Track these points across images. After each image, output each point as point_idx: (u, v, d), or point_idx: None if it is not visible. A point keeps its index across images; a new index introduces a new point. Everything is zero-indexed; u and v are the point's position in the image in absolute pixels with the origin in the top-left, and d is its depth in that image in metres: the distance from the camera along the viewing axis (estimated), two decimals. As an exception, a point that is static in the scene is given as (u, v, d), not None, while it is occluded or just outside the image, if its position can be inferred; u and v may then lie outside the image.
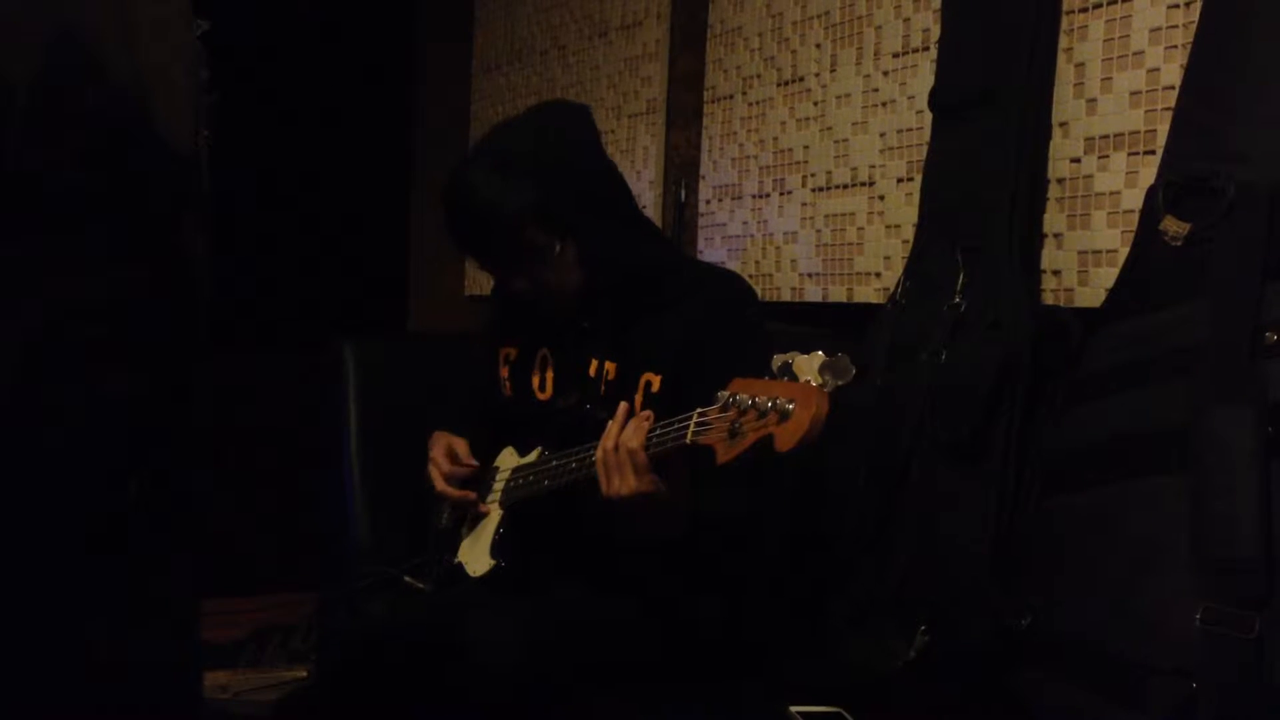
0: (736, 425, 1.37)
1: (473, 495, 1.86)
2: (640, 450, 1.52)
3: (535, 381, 1.85)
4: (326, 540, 2.38)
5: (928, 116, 1.99)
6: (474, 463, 1.88)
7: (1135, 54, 1.71)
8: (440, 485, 1.88)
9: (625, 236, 1.78)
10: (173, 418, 1.14)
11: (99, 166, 1.03)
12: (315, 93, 3.51)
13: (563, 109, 1.92)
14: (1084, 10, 1.79)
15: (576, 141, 1.79)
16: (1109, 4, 1.75)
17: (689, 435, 1.44)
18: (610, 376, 1.75)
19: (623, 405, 1.59)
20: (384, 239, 3.76)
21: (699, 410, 1.44)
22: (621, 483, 1.53)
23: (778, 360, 1.36)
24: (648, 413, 1.56)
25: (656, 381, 1.71)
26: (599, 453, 1.55)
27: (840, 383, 1.32)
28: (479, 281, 3.61)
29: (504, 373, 1.89)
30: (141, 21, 1.07)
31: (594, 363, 1.77)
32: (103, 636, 1.07)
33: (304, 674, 2.83)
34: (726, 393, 1.40)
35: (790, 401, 1.32)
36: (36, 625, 1.03)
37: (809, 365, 1.34)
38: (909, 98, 2.09)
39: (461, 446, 1.90)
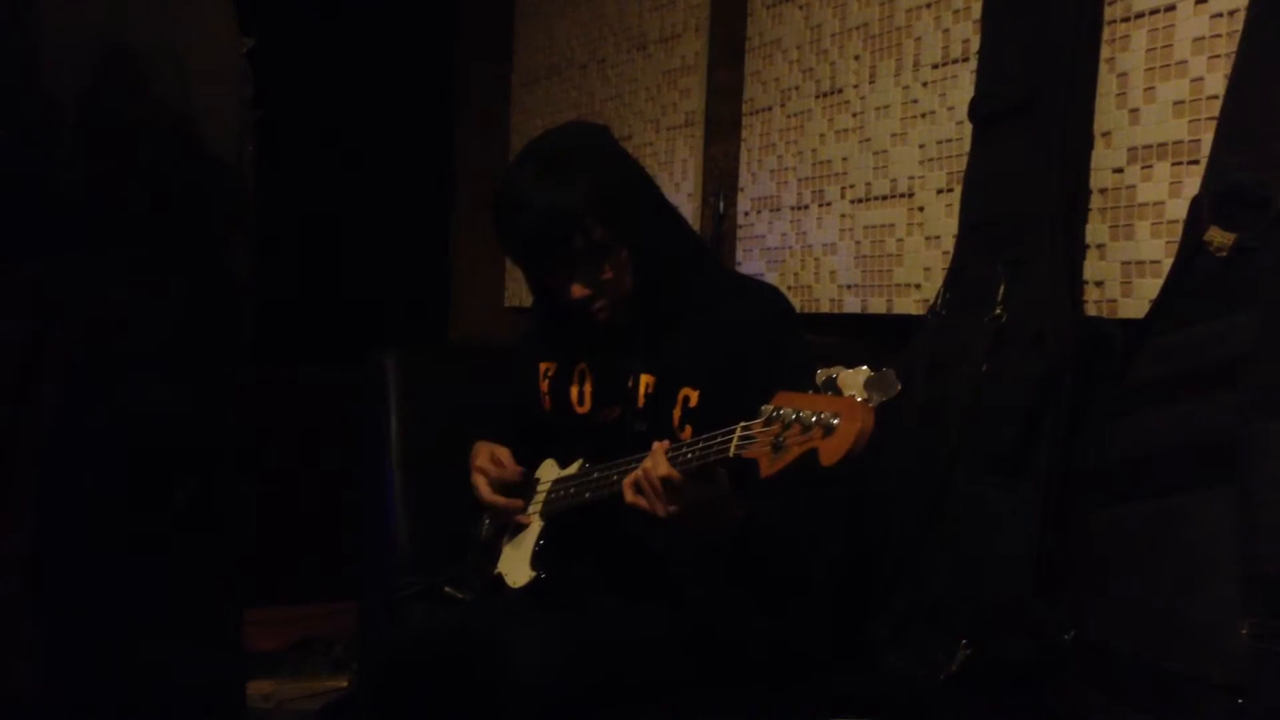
0: (780, 439, 1.36)
1: (519, 503, 1.86)
2: (671, 474, 1.52)
3: (574, 395, 1.85)
4: (368, 550, 2.40)
5: (967, 127, 1.98)
6: (520, 468, 1.88)
7: (1178, 63, 1.70)
8: (487, 494, 1.88)
9: (674, 239, 1.79)
10: (217, 429, 1.15)
11: (147, 181, 1.05)
12: (357, 107, 3.55)
13: (588, 123, 1.94)
14: (1126, 20, 1.77)
15: (615, 147, 1.84)
16: (1151, 13, 1.74)
17: (732, 448, 1.44)
18: (649, 390, 1.75)
19: (655, 445, 1.58)
20: (425, 251, 3.79)
21: (743, 424, 1.43)
22: (665, 505, 1.53)
23: (822, 374, 1.36)
24: (664, 442, 1.56)
25: (695, 396, 1.71)
26: (636, 484, 1.56)
27: (885, 398, 1.31)
28: (519, 293, 3.63)
29: (544, 386, 1.90)
30: (188, 39, 1.09)
31: (632, 376, 1.77)
32: (147, 646, 1.08)
33: (345, 683, 2.85)
34: (771, 406, 1.39)
35: (835, 416, 1.31)
36: (81, 635, 1.04)
37: (854, 380, 1.33)
38: (948, 108, 2.08)
39: (505, 454, 1.90)
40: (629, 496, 1.57)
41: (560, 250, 1.70)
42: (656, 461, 1.53)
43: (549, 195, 1.69)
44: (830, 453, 1.30)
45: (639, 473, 1.55)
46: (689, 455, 1.51)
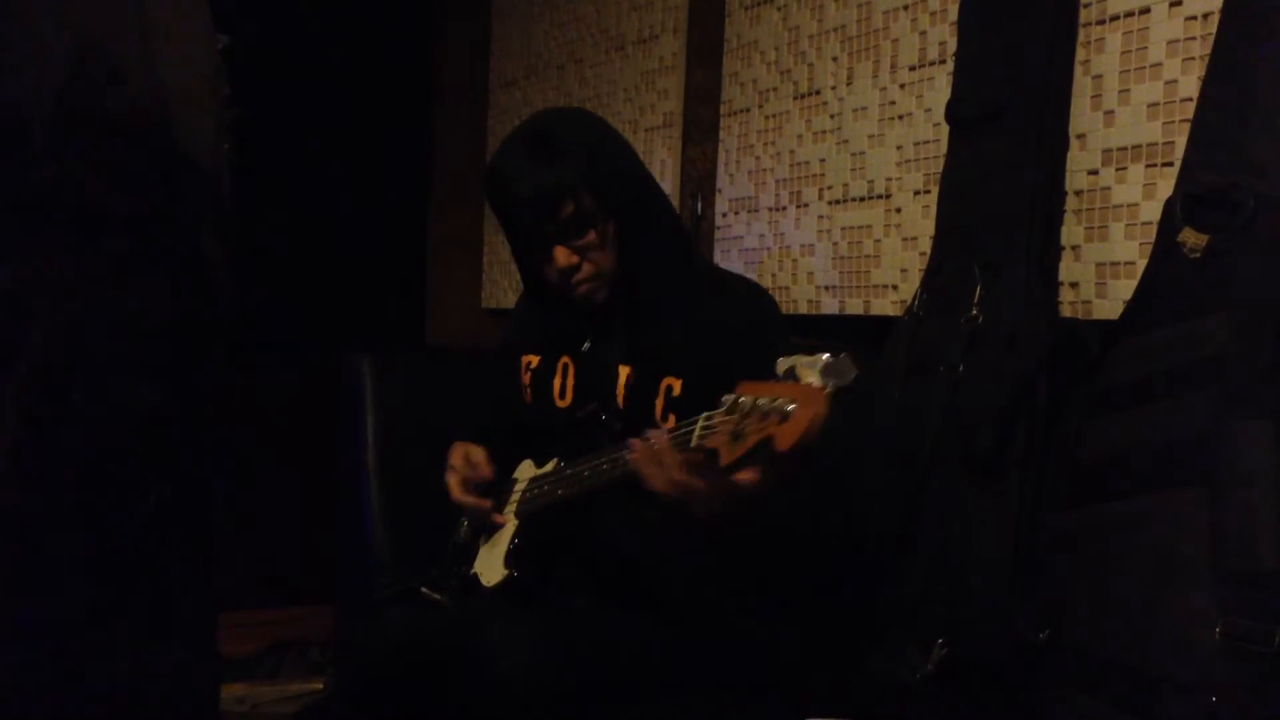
0: (740, 428, 1.39)
1: (489, 503, 1.86)
2: (668, 450, 1.50)
3: (556, 388, 1.85)
4: (344, 553, 2.39)
5: (944, 129, 1.99)
6: (489, 472, 1.88)
7: (1153, 66, 1.71)
8: (456, 492, 1.88)
9: (659, 222, 1.80)
10: (192, 430, 1.14)
11: (120, 181, 1.04)
12: (332, 107, 3.54)
13: (586, 110, 1.96)
14: (1101, 22, 1.79)
15: (609, 129, 1.86)
16: (1126, 16, 1.75)
17: (694, 438, 1.46)
18: (630, 381, 1.76)
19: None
20: (402, 253, 3.78)
21: (705, 414, 1.46)
22: (670, 478, 1.50)
23: (783, 363, 1.39)
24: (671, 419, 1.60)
25: (678, 386, 1.72)
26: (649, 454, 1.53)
27: (842, 383, 1.34)
28: (496, 295, 3.62)
29: (525, 379, 1.90)
30: (162, 37, 1.08)
31: (613, 369, 1.77)
32: (119, 648, 1.07)
33: (321, 686, 2.84)
34: (732, 396, 1.42)
35: (791, 402, 1.34)
36: (53, 637, 1.03)
37: (811, 367, 1.36)
38: (926, 110, 2.09)
39: (479, 454, 1.91)
40: (640, 456, 1.53)
41: (550, 217, 1.71)
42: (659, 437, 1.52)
43: (543, 163, 1.72)
44: (785, 438, 1.33)
45: (652, 443, 1.52)
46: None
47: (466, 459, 1.90)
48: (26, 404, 0.99)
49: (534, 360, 1.90)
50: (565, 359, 1.85)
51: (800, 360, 1.38)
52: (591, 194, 1.71)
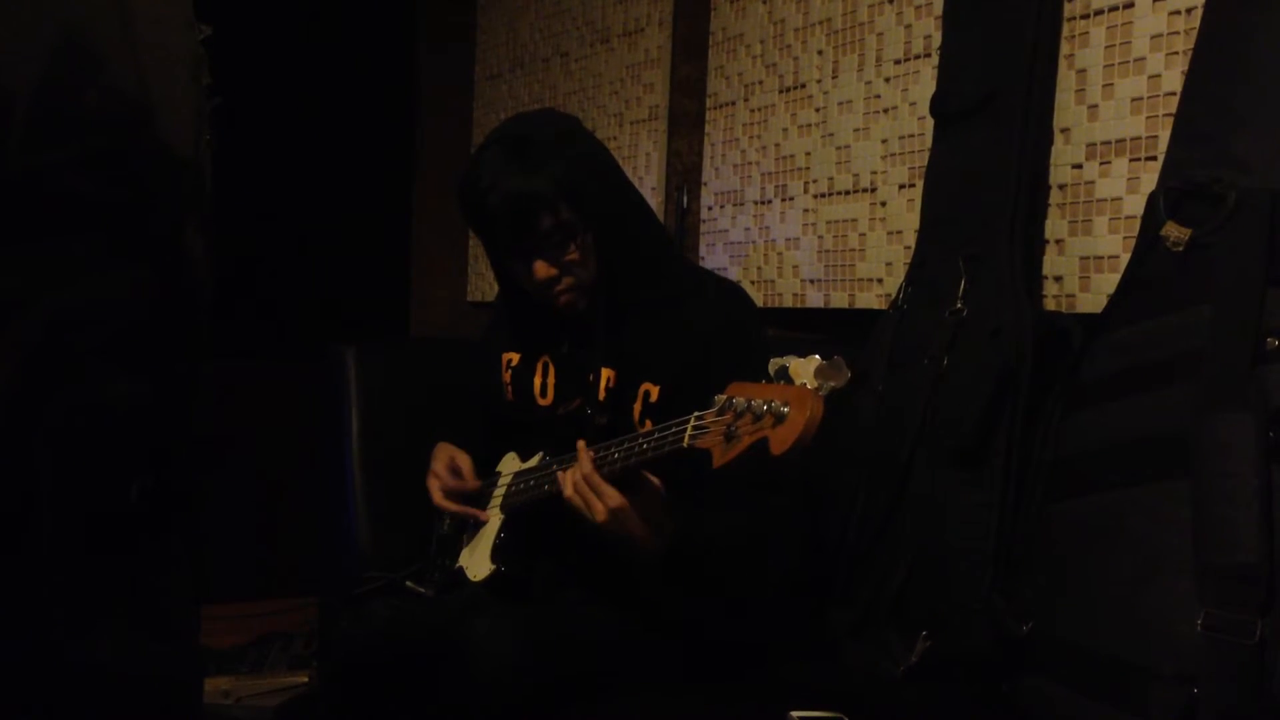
0: (732, 428, 1.38)
1: (471, 510, 1.86)
2: (593, 473, 1.56)
3: (536, 387, 1.85)
4: (328, 546, 2.38)
5: (929, 123, 1.99)
6: (476, 482, 1.88)
7: (1136, 60, 1.71)
8: (438, 499, 1.88)
9: (639, 228, 1.79)
10: (175, 422, 1.14)
11: (101, 171, 1.03)
12: (317, 99, 3.52)
13: (558, 111, 1.95)
14: (1085, 17, 1.79)
15: (585, 133, 1.84)
16: (1110, 10, 1.75)
17: (686, 438, 1.45)
18: (611, 384, 1.75)
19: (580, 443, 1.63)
20: (386, 245, 3.77)
21: (696, 414, 1.44)
22: (593, 509, 1.57)
23: (774, 364, 1.37)
24: (580, 441, 1.61)
25: (655, 392, 1.72)
26: (575, 483, 1.60)
27: (835, 386, 1.33)
28: (481, 287, 3.61)
29: (506, 378, 1.90)
30: (143, 26, 1.07)
31: (593, 370, 1.77)
32: (102, 642, 1.06)
33: (305, 679, 2.83)
34: (724, 396, 1.41)
35: (785, 405, 1.32)
36: (35, 630, 1.03)
37: (805, 369, 1.34)
38: (911, 104, 2.09)
39: (465, 463, 1.90)
40: (568, 491, 1.59)
41: (528, 230, 1.69)
42: (584, 456, 1.57)
43: (519, 175, 1.69)
44: (780, 441, 1.32)
45: (576, 472, 1.58)
46: (615, 455, 1.54)
47: (451, 466, 1.89)
48: (7, 395, 0.98)
49: (514, 358, 1.89)
50: (544, 358, 1.85)
51: (793, 361, 1.36)
52: (569, 206, 1.69)
